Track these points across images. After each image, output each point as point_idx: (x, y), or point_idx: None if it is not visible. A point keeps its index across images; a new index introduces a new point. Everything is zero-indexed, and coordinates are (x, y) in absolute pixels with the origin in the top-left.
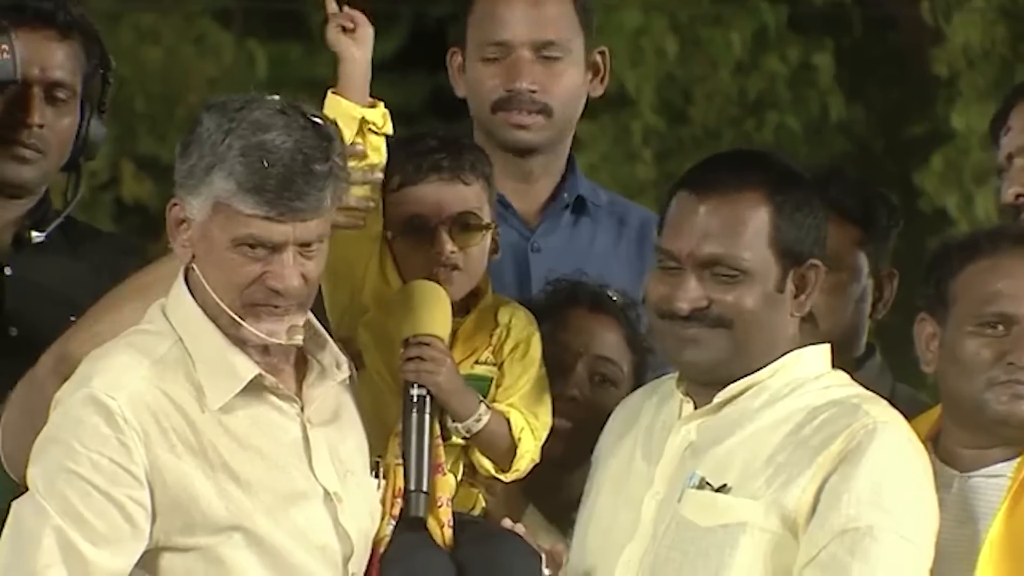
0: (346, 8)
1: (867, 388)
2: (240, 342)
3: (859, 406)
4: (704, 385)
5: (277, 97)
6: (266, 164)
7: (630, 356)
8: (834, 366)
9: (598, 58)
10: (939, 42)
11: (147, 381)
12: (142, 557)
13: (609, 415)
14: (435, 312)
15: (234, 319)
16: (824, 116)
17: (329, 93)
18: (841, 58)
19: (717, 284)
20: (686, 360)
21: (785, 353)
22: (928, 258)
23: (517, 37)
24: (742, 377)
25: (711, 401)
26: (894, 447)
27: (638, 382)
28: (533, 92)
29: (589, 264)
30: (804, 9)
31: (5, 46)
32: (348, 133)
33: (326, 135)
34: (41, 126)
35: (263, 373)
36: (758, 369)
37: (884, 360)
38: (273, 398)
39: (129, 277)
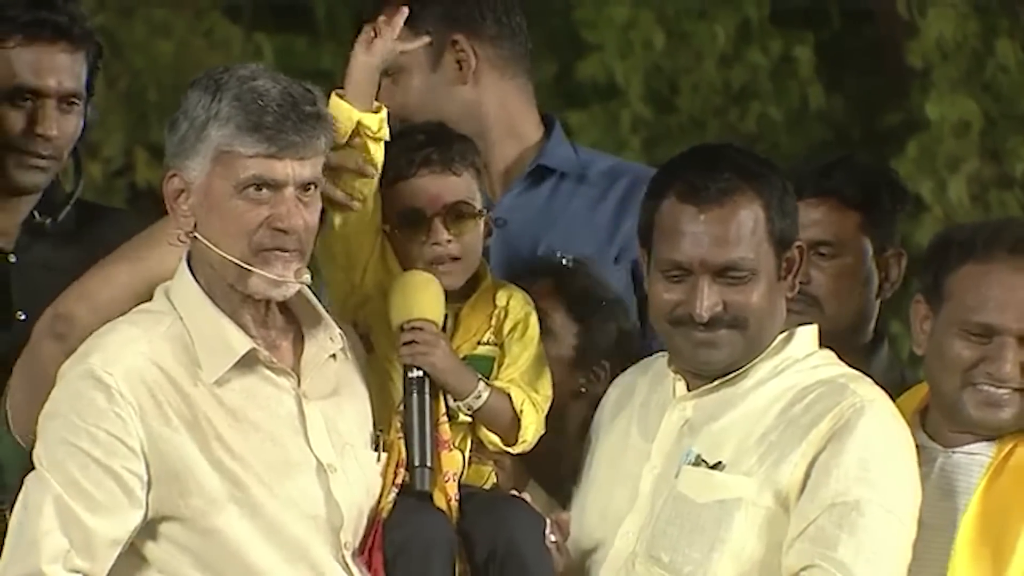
0: (381, 19)
1: (877, 380)
2: (246, 300)
3: (846, 385)
4: (713, 377)
5: (255, 64)
6: (261, 102)
7: (570, 313)
8: (842, 353)
9: (454, 53)
10: (914, 35)
11: (144, 357)
12: (143, 530)
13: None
14: (427, 298)
15: (244, 268)
16: (804, 106)
17: (333, 93)
18: (821, 51)
19: (728, 287)
20: (702, 361)
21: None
22: (929, 245)
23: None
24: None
25: (704, 380)
26: (880, 425)
27: (586, 344)
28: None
29: (554, 230)
30: (785, 4)
31: None
32: (344, 133)
33: (308, 87)
34: (57, 137)
35: (257, 347)
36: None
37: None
38: (268, 372)
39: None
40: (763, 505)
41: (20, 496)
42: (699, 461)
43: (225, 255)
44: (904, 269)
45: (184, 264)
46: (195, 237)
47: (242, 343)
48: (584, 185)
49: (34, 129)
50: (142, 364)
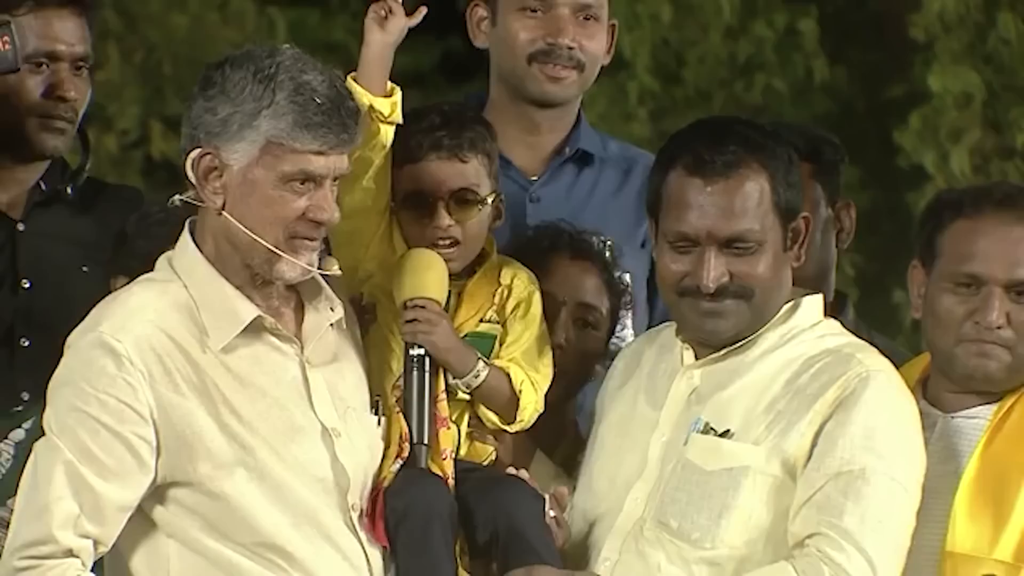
0: None
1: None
2: (256, 275)
3: (853, 355)
4: (720, 347)
5: (286, 46)
6: (318, 101)
7: (608, 299)
8: None
9: (610, 29)
10: (917, 8)
11: (153, 324)
12: (151, 494)
13: (590, 357)
14: (430, 277)
15: (276, 254)
16: (809, 78)
17: (348, 77)
18: (825, 23)
19: (734, 257)
20: (709, 331)
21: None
22: (923, 209)
23: None
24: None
25: (711, 349)
26: (886, 394)
27: (613, 323)
28: (572, 48)
29: (586, 212)
30: None
31: (7, 37)
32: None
33: (340, 75)
34: (75, 99)
35: (263, 315)
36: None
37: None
38: (273, 339)
39: None
40: (770, 473)
41: (30, 462)
42: (708, 429)
43: (258, 239)
44: (855, 219)
45: (187, 234)
46: (220, 215)
47: (248, 311)
48: (607, 168)
49: (53, 93)
50: (151, 331)
